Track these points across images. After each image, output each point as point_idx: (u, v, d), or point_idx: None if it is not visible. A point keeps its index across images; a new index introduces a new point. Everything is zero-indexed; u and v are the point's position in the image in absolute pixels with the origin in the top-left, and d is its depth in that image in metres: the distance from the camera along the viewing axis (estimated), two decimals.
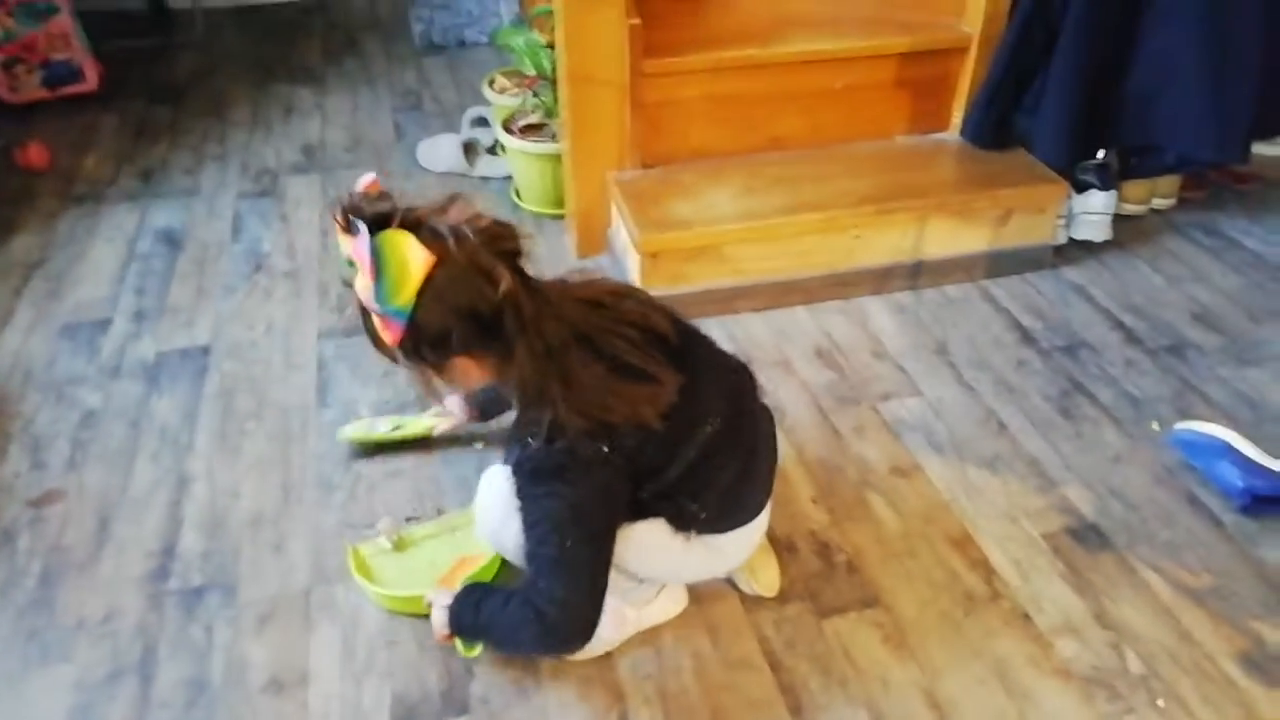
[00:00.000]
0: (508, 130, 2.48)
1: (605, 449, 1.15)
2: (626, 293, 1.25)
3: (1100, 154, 2.33)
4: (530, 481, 1.18)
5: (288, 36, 3.68)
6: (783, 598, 1.50)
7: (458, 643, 1.33)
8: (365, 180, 1.11)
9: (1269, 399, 1.88)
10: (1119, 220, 2.37)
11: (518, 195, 2.60)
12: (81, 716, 1.34)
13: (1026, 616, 1.47)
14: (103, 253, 2.37)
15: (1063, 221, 2.32)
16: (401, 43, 3.67)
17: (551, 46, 2.33)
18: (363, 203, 1.08)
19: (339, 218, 1.08)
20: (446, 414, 1.72)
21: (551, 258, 2.36)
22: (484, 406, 1.69)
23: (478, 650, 1.35)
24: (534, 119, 2.48)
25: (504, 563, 1.45)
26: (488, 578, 1.45)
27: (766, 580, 1.49)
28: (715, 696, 1.36)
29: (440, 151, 2.77)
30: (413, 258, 1.05)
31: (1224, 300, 2.18)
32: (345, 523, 1.63)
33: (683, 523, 1.29)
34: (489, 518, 1.30)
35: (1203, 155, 2.24)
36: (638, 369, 1.16)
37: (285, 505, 1.66)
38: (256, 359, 2.01)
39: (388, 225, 1.06)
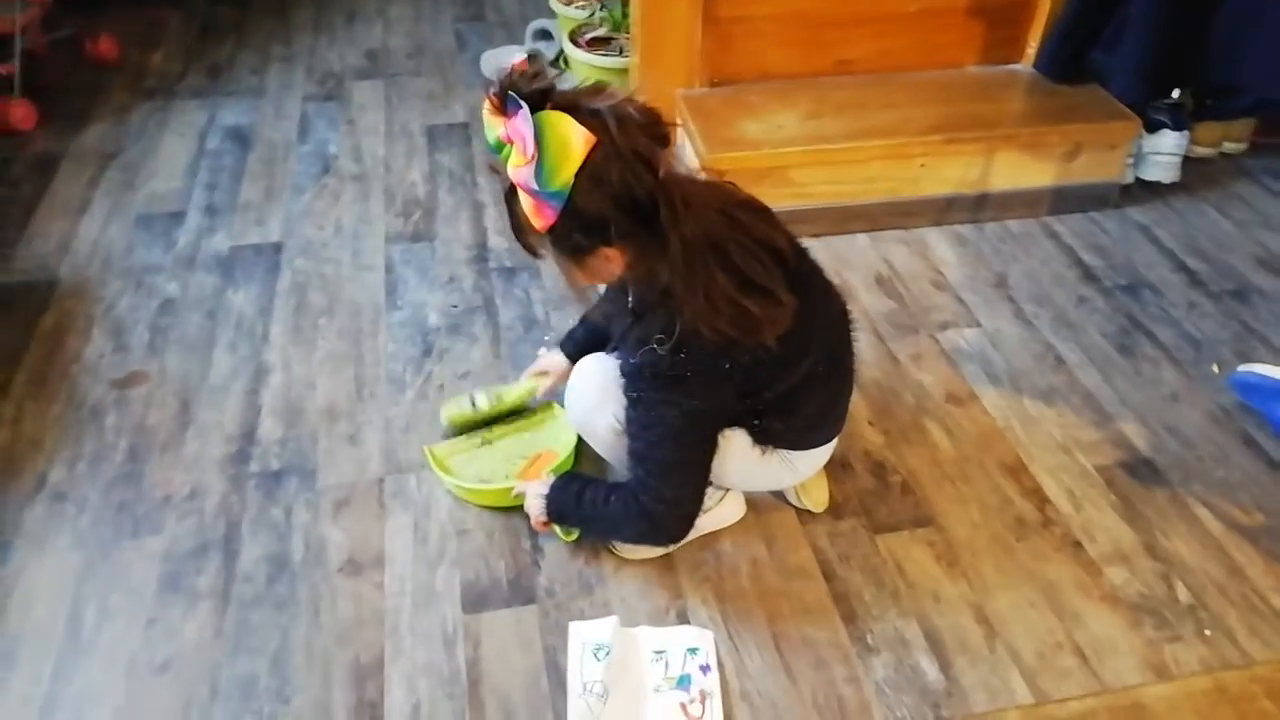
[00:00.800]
0: (574, 43, 2.46)
1: (727, 365, 1.17)
2: (753, 205, 1.24)
3: (1175, 93, 2.28)
4: (651, 387, 1.19)
5: None
6: (837, 513, 1.54)
7: (556, 528, 1.40)
8: (517, 59, 1.09)
9: None
10: (1188, 163, 2.33)
11: None
12: (171, 585, 1.42)
13: (1078, 544, 1.51)
14: (174, 147, 2.40)
15: (1131, 161, 2.28)
16: None
17: None
18: (520, 81, 1.03)
19: (494, 96, 1.04)
20: (543, 373, 1.64)
21: None
22: (581, 353, 1.58)
23: (576, 534, 1.42)
24: (601, 32, 2.47)
25: (577, 454, 1.52)
26: (569, 464, 1.51)
27: (817, 497, 1.53)
28: (770, 601, 1.42)
29: (504, 63, 2.75)
30: (573, 137, 1.00)
31: None
32: (414, 420, 1.68)
33: (765, 438, 1.33)
34: (583, 402, 1.34)
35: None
36: (762, 287, 1.16)
37: (358, 399, 1.72)
38: (327, 258, 2.05)
39: (543, 105, 1.03)
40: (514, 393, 1.64)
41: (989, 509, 1.56)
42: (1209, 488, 1.60)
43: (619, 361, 1.25)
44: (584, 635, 1.34)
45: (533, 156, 1.01)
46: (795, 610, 1.41)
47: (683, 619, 1.39)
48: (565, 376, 1.59)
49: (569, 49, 2.45)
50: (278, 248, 2.08)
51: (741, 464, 1.34)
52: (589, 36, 2.46)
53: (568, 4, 2.65)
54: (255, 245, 2.09)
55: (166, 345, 1.82)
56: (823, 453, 1.41)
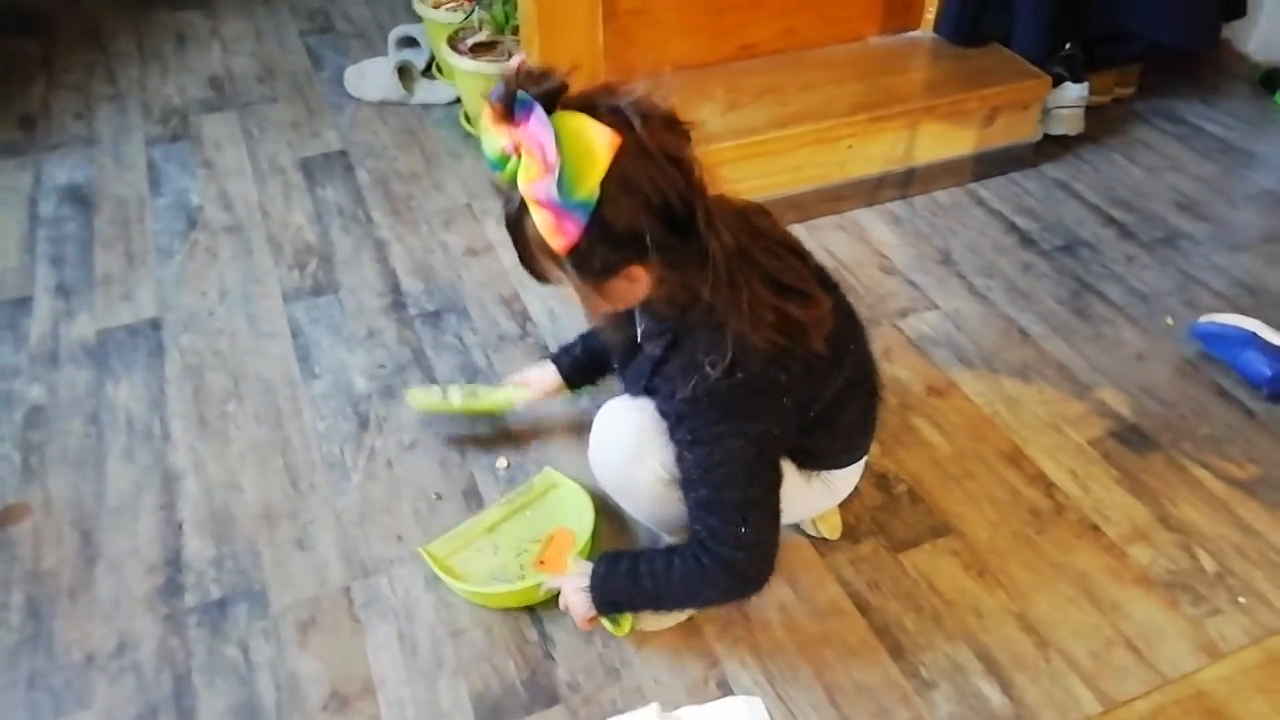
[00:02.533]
0: (454, 50, 2.24)
1: (784, 377, 1.04)
2: (755, 204, 1.12)
3: (1067, 45, 2.29)
4: (709, 419, 1.05)
5: None
6: (853, 536, 1.44)
7: (605, 623, 1.23)
8: (515, 59, 0.92)
9: (1266, 283, 1.92)
10: (1087, 113, 2.34)
11: (469, 121, 2.38)
12: None
13: (1095, 527, 1.46)
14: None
15: (1039, 118, 2.28)
16: None
17: None
18: (527, 82, 0.88)
19: (498, 103, 0.88)
20: (524, 384, 1.51)
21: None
22: (575, 373, 1.49)
23: (629, 624, 1.25)
24: (483, 36, 2.26)
25: (596, 528, 1.36)
26: (590, 545, 1.34)
27: (831, 523, 1.43)
28: (812, 650, 1.30)
29: (371, 78, 2.51)
30: (597, 139, 0.87)
31: (1202, 187, 2.20)
32: (369, 508, 1.47)
33: (809, 459, 1.22)
34: (619, 454, 1.18)
35: (1172, 41, 2.23)
36: (797, 289, 1.05)
37: (297, 494, 1.49)
38: (218, 330, 1.79)
39: (554, 107, 0.89)
40: (492, 395, 1.52)
41: (1001, 504, 1.49)
42: (1199, 446, 1.59)
43: (659, 401, 1.11)
44: None
45: (554, 164, 0.86)
46: (840, 654, 1.30)
47: (724, 688, 1.26)
48: (549, 393, 1.49)
49: (451, 58, 2.24)
50: (155, 325, 1.80)
51: (789, 493, 1.21)
52: (472, 42, 2.25)
53: (435, 7, 2.43)
54: (128, 326, 1.79)
55: (45, 465, 1.53)
56: (858, 469, 1.31)
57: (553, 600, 1.29)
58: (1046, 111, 2.28)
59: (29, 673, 1.25)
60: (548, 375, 1.49)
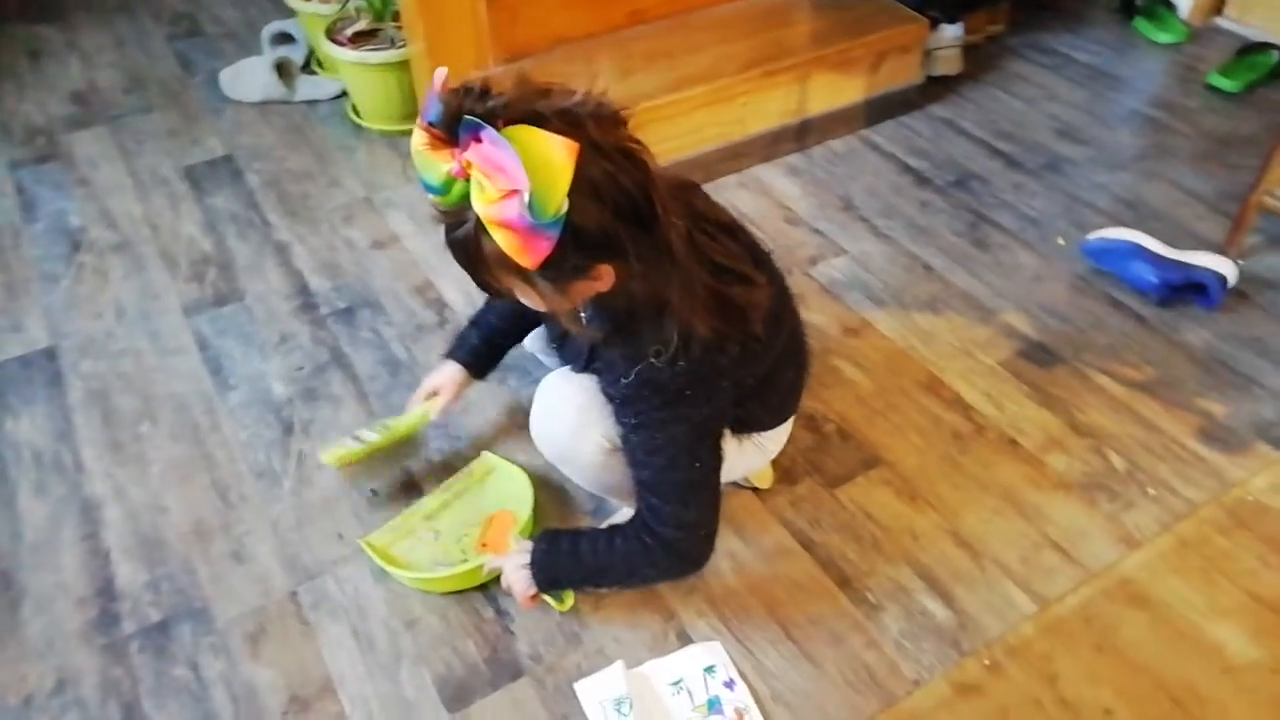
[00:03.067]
0: (335, 42, 2.19)
1: (724, 361, 1.05)
2: (688, 182, 1.10)
3: None
4: (654, 405, 1.06)
5: None
6: (790, 479, 1.48)
7: (548, 599, 1.24)
8: (439, 76, 0.87)
9: (1144, 198, 2.03)
10: (964, 52, 2.43)
11: (356, 113, 2.33)
12: None
13: (1013, 442, 1.53)
14: None
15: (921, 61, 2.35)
16: None
17: None
18: (465, 100, 0.83)
19: (434, 128, 0.84)
20: (433, 394, 1.44)
21: (416, 177, 2.14)
22: (479, 363, 1.43)
23: (570, 601, 1.27)
24: (362, 25, 2.21)
25: (537, 507, 1.37)
26: (531, 525, 1.34)
27: (762, 474, 1.46)
28: (764, 591, 1.34)
29: (248, 79, 2.42)
30: (554, 151, 0.82)
31: (1078, 113, 2.30)
32: (305, 512, 1.44)
33: (743, 426, 1.24)
34: (561, 427, 1.18)
35: None
36: (736, 271, 1.04)
37: (227, 508, 1.44)
38: (120, 352, 1.71)
39: (497, 124, 0.82)
40: (405, 421, 1.42)
41: (925, 431, 1.55)
42: (1099, 355, 1.68)
43: (603, 384, 1.11)
44: (598, 694, 1.20)
45: (523, 185, 0.81)
46: (790, 592, 1.33)
47: (684, 639, 1.28)
48: (461, 389, 1.43)
49: (331, 49, 2.18)
50: (50, 354, 1.72)
51: (724, 457, 1.23)
52: (350, 32, 2.20)
53: (308, 0, 2.35)
54: (19, 358, 1.71)
55: None
56: (787, 428, 1.34)
57: (507, 589, 1.28)
58: (927, 54, 2.35)
59: None
60: (454, 374, 1.42)
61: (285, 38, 2.55)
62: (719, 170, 2.11)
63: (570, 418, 1.16)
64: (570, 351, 1.20)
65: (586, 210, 0.86)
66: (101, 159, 2.22)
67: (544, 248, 0.86)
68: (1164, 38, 2.56)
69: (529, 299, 0.99)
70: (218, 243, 1.97)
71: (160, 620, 1.30)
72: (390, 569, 1.30)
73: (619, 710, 1.18)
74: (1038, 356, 1.68)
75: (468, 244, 0.90)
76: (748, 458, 1.30)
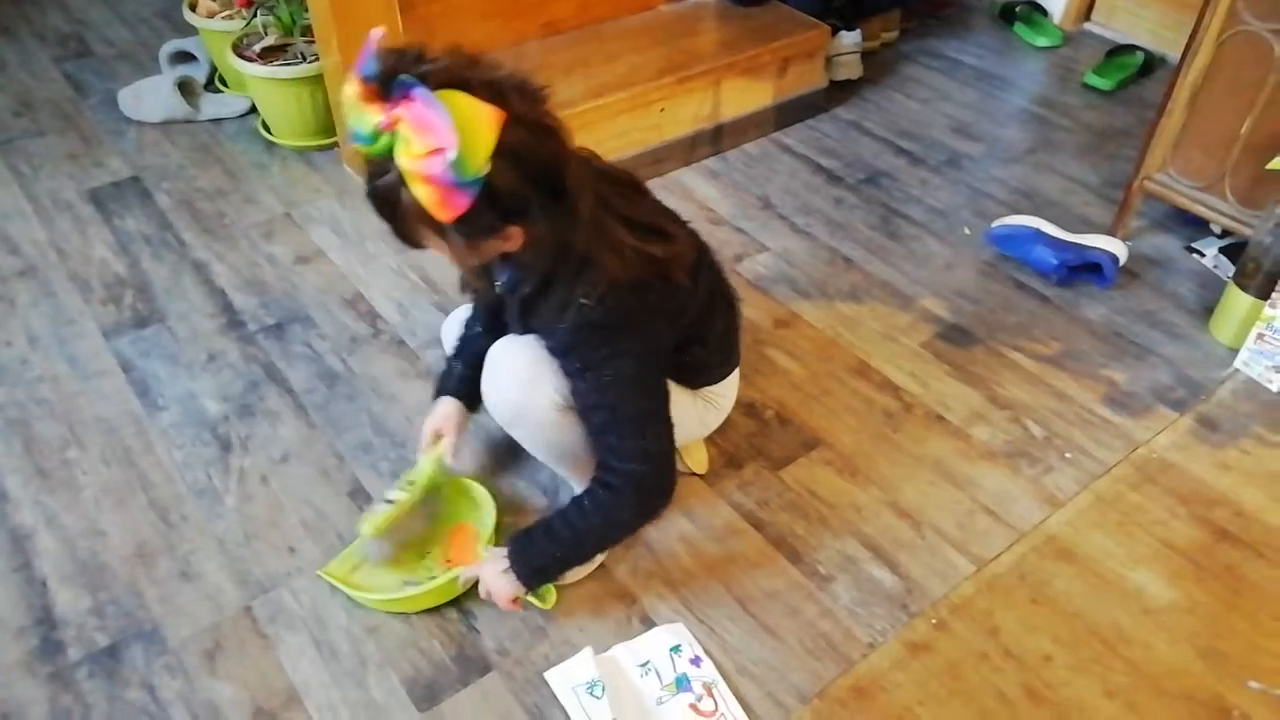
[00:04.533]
0: (243, 58, 2.15)
1: (652, 297, 1.11)
2: (590, 151, 1.16)
3: None
4: (594, 345, 1.11)
5: None
6: (736, 463, 1.53)
7: (532, 600, 1.24)
8: (376, 35, 0.90)
9: (1038, 188, 2.17)
10: (862, 58, 2.55)
11: (267, 130, 2.29)
12: None
13: (940, 417, 1.62)
14: None
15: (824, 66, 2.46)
16: None
17: None
18: (398, 61, 0.89)
19: (370, 83, 0.89)
20: (438, 435, 1.38)
21: (340, 192, 2.13)
22: (472, 393, 1.33)
23: (553, 597, 1.27)
24: (271, 40, 2.18)
25: (498, 512, 1.36)
26: (493, 527, 1.33)
27: (698, 459, 1.51)
28: (719, 570, 1.38)
29: (150, 99, 2.36)
30: (481, 116, 0.88)
31: (970, 112, 2.45)
32: (252, 526, 1.41)
33: (690, 375, 1.30)
34: (513, 386, 1.20)
35: None
36: (653, 226, 1.12)
37: (168, 527, 1.40)
38: (37, 378, 1.64)
39: (430, 85, 0.88)
40: (424, 472, 1.35)
41: (858, 412, 1.63)
42: (1010, 333, 1.79)
43: (544, 340, 1.16)
44: (569, 679, 1.22)
45: (450, 144, 0.87)
46: (744, 569, 1.38)
47: (646, 622, 1.31)
48: (463, 424, 1.38)
49: (240, 65, 2.14)
50: None
51: (681, 413, 1.26)
52: (259, 47, 2.16)
53: (209, 17, 2.31)
54: None
55: None
56: (733, 383, 1.40)
57: (472, 590, 1.29)
58: (829, 60, 2.46)
59: None
60: (450, 410, 1.37)
61: (185, 56, 2.49)
62: (642, 174, 2.11)
63: (520, 373, 1.19)
64: (510, 322, 1.24)
65: (504, 174, 0.93)
66: None
67: (461, 204, 0.92)
68: (1041, 41, 2.74)
69: (440, 252, 1.04)
70: (132, 264, 1.91)
71: (108, 644, 1.25)
72: (358, 595, 1.28)
73: (592, 693, 1.19)
74: (955, 338, 1.78)
75: (389, 195, 0.95)
76: (702, 413, 1.37)
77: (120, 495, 1.45)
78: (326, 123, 2.20)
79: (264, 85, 2.17)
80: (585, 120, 2.00)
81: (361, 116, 0.91)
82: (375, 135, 0.91)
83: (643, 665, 1.25)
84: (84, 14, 2.87)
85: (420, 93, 0.87)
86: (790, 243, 2.00)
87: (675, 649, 1.27)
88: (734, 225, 2.05)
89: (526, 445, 1.30)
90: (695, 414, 1.36)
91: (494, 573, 1.21)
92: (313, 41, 2.12)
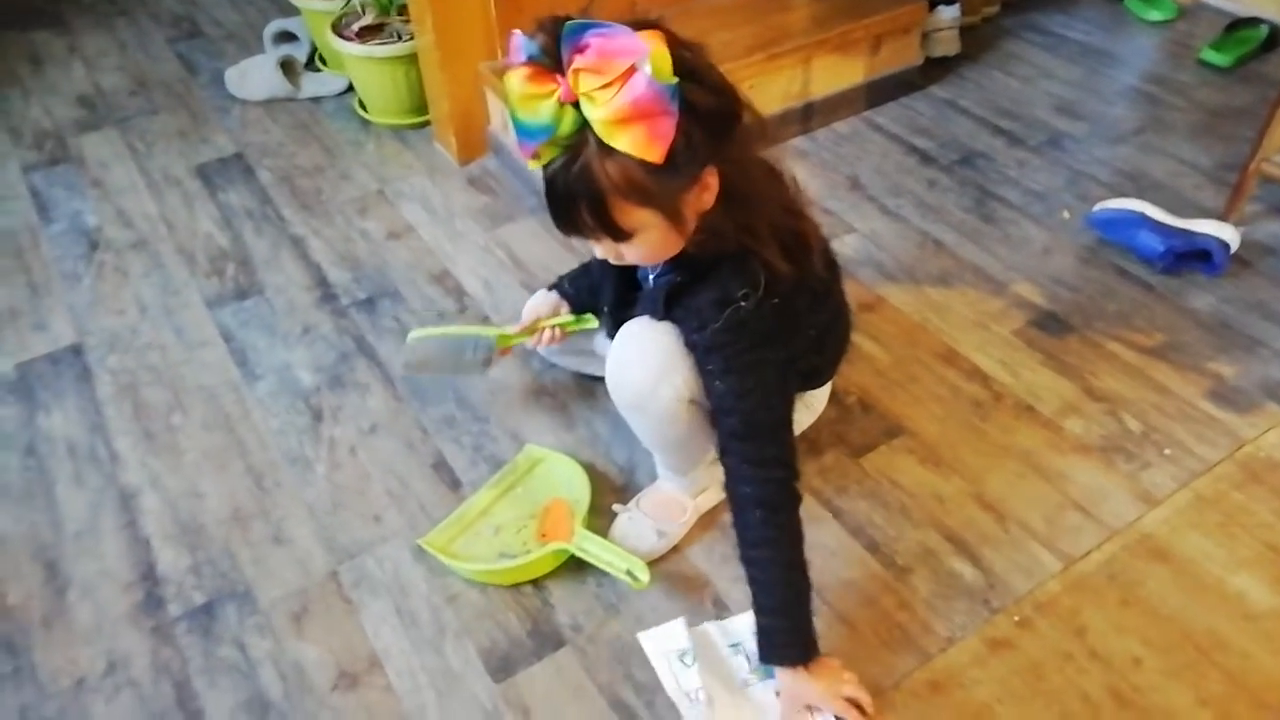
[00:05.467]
0: (341, 37, 2.21)
1: (801, 303, 1.09)
2: None
3: None
4: (743, 348, 1.06)
5: None
6: (816, 449, 1.51)
7: (628, 578, 1.25)
8: (518, 34, 0.91)
9: (1144, 170, 2.07)
10: (961, 33, 2.46)
11: (363, 108, 2.35)
12: None
13: (1030, 408, 1.57)
14: None
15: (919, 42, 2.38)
16: None
17: None
18: (555, 25, 0.88)
19: (541, 56, 0.89)
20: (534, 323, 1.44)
21: (431, 170, 2.17)
22: (575, 299, 1.43)
23: (646, 577, 1.25)
24: (369, 20, 2.22)
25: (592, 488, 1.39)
26: (587, 503, 1.36)
27: None
28: None
29: (254, 78, 2.44)
30: (644, 40, 0.87)
31: (1075, 90, 2.34)
32: (340, 495, 1.46)
33: (805, 380, 1.28)
34: (639, 374, 1.15)
35: None
36: (793, 205, 1.09)
37: (263, 493, 1.47)
38: (146, 346, 1.73)
39: None
40: (508, 331, 1.44)
41: (944, 400, 1.59)
42: (1109, 322, 1.72)
43: (687, 332, 1.11)
44: (661, 645, 1.23)
45: (640, 53, 0.84)
46: (822, 557, 1.36)
47: (720, 606, 1.31)
48: (557, 312, 1.44)
49: (338, 44, 2.20)
50: (77, 350, 1.73)
51: None
52: (357, 27, 2.21)
53: None
54: (48, 355, 1.72)
55: None
56: (829, 386, 1.38)
57: (560, 566, 1.33)
58: (925, 36, 2.39)
59: (18, 708, 1.21)
60: (554, 301, 1.43)
61: (288, 36, 2.56)
62: None
63: (653, 362, 1.13)
64: (646, 302, 1.18)
65: (693, 90, 0.89)
66: (113, 160, 2.24)
67: (668, 127, 0.87)
68: (1154, 15, 2.60)
69: (644, 235, 0.99)
70: (234, 238, 1.99)
71: (205, 603, 1.32)
72: (456, 564, 1.32)
73: (684, 662, 1.20)
74: (1050, 326, 1.71)
75: (586, 178, 0.92)
76: (799, 416, 1.34)
77: (219, 460, 1.52)
78: (420, 101, 2.25)
79: (360, 64, 2.22)
80: None
81: (535, 102, 0.88)
82: (557, 117, 0.89)
83: (734, 645, 1.26)
84: None
85: (595, 30, 0.85)
86: (879, 224, 1.96)
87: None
88: (821, 206, 2.01)
89: (637, 430, 1.28)
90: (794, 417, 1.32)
91: (795, 699, 1.14)
92: (408, 21, 2.16)
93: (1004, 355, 1.66)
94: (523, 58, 0.89)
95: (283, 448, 1.53)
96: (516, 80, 0.89)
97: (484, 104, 2.13)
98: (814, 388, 1.33)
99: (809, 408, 1.36)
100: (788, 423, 1.14)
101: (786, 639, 1.13)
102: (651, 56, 0.84)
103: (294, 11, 2.53)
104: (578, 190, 0.94)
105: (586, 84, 0.87)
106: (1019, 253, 1.87)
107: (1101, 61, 2.45)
